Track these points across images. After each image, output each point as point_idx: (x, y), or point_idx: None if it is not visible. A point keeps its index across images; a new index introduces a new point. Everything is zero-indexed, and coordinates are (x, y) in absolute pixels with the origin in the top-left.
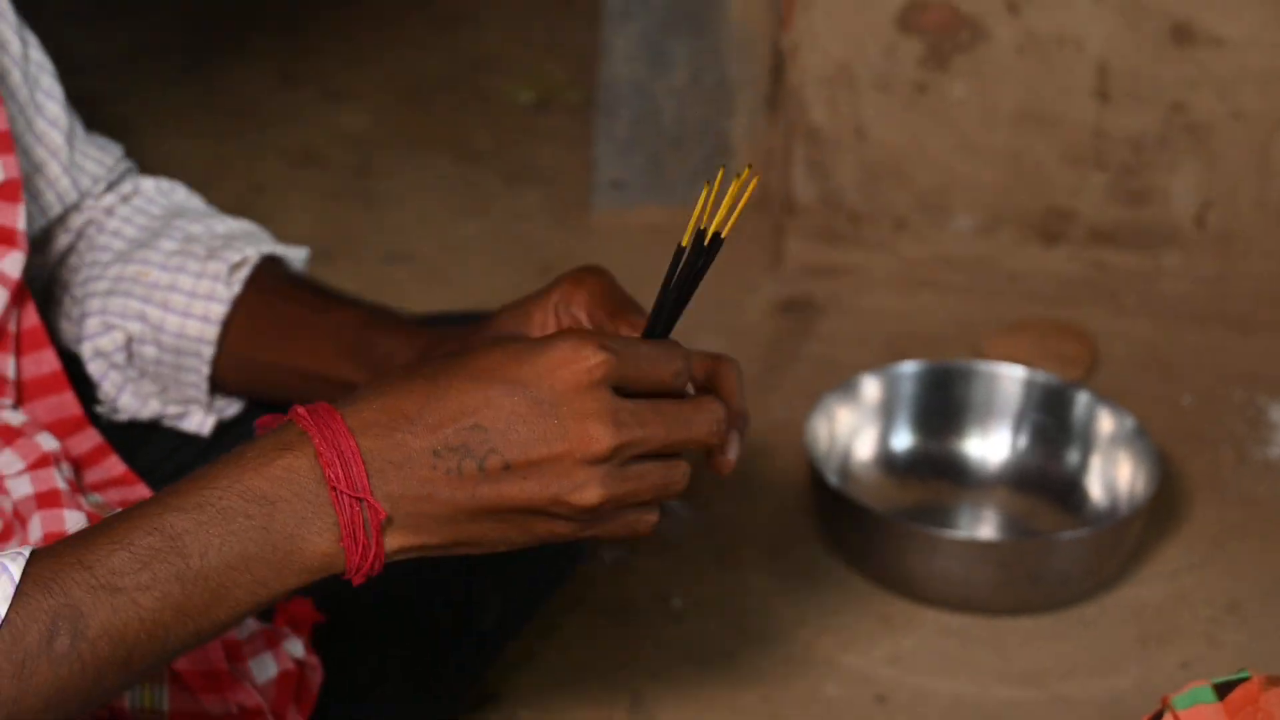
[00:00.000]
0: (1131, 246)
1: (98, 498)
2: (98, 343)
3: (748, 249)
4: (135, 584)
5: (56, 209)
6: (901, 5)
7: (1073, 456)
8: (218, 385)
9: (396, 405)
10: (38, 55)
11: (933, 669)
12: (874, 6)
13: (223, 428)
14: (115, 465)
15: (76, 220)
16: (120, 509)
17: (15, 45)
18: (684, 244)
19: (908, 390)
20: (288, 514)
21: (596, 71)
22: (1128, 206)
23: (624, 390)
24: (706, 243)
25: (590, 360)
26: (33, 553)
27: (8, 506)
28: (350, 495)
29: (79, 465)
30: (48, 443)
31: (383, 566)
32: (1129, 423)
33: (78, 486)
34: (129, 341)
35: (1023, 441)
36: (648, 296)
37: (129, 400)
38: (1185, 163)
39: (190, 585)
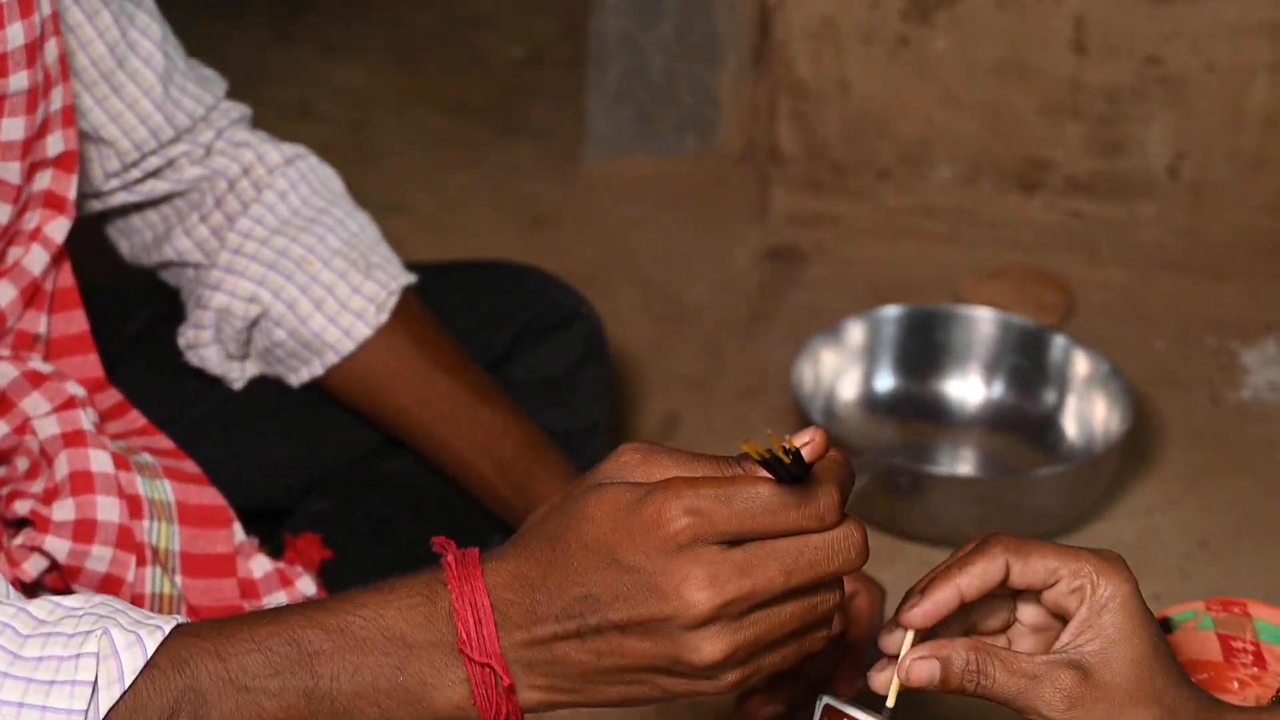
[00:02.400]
0: (1107, 196)
1: (121, 444)
2: (233, 303)
3: (735, 200)
4: (263, 688)
5: (151, 144)
6: None
7: (1049, 397)
8: (319, 382)
9: (525, 570)
10: None
11: None
12: None
13: (253, 382)
14: (136, 419)
15: (181, 151)
16: (147, 454)
17: None
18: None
19: (890, 334)
20: (423, 661)
21: (586, 26)
22: (1104, 157)
23: (746, 540)
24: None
25: (675, 525)
26: (174, 629)
27: (35, 446)
28: (478, 661)
29: (102, 418)
30: (74, 388)
31: (521, 718)
32: (1104, 365)
33: (103, 430)
34: (261, 315)
35: (1000, 383)
36: (637, 248)
37: (212, 354)
38: (1160, 114)
39: (317, 703)
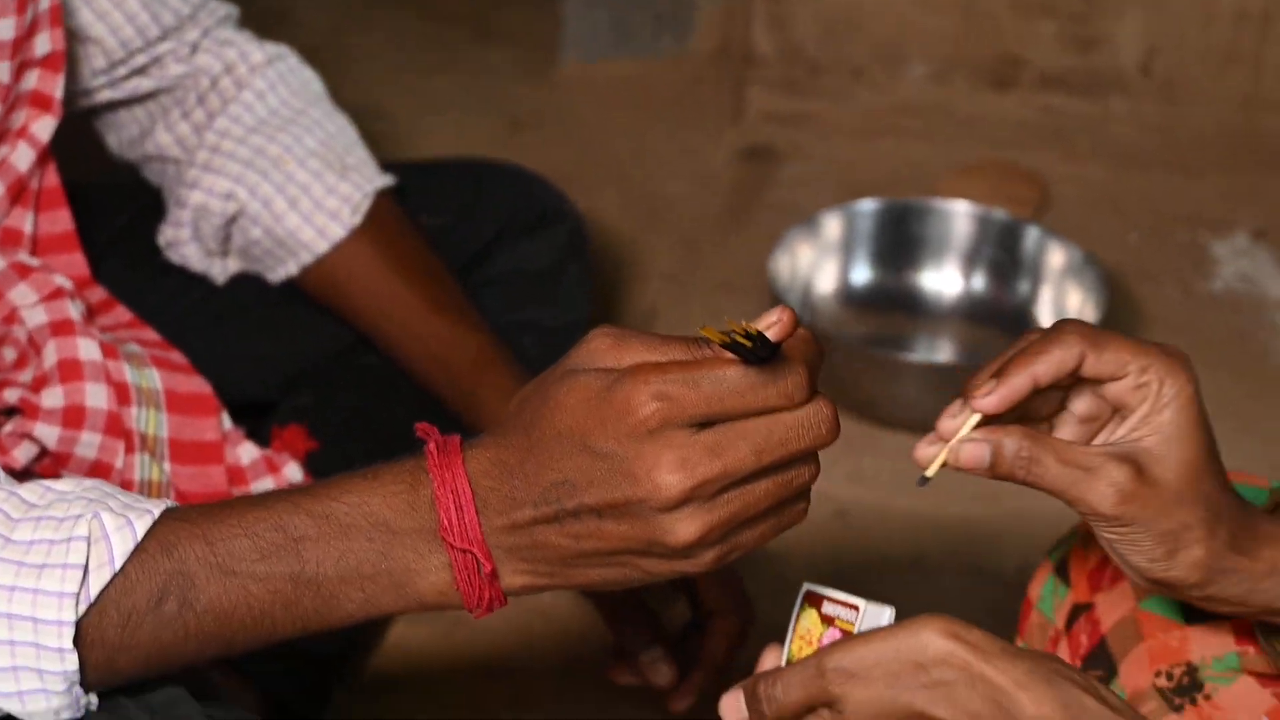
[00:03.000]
0: (1081, 92)
1: (108, 335)
2: (210, 201)
3: (711, 100)
4: (250, 572)
5: (137, 42)
6: None
7: (1023, 287)
8: (295, 281)
9: (503, 457)
10: None
11: (891, 487)
12: None
13: (234, 279)
14: (123, 314)
15: (167, 49)
16: (134, 344)
17: None
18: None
19: (866, 227)
20: (407, 547)
21: None
22: (1076, 53)
23: (715, 422)
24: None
25: (644, 410)
26: (163, 513)
27: (23, 335)
28: (459, 546)
29: (90, 312)
30: (61, 280)
31: (504, 602)
32: (1078, 255)
33: (90, 323)
34: (238, 213)
35: (976, 275)
36: (615, 149)
37: (192, 252)
38: (1132, 10)
39: (303, 588)
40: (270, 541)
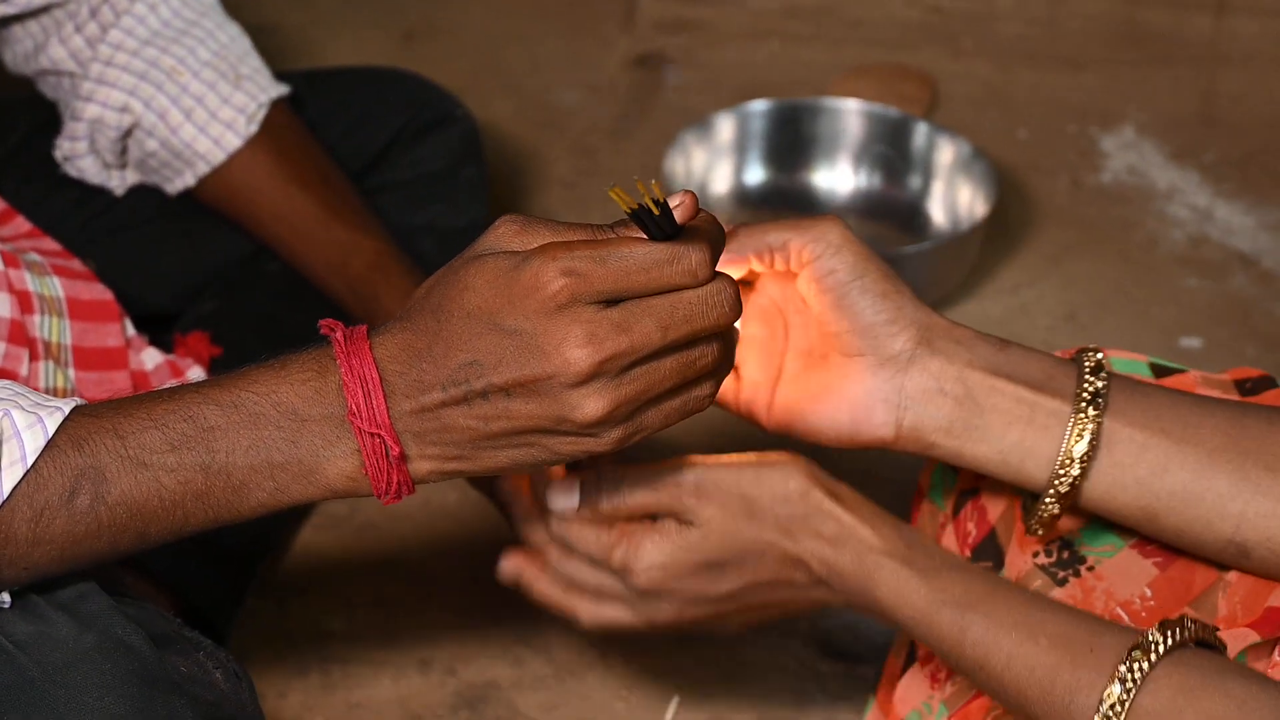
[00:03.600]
0: None
1: (8, 245)
2: (105, 113)
3: (602, 9)
4: (161, 464)
5: None
6: None
7: (914, 183)
8: (192, 193)
9: (411, 341)
10: None
11: None
12: None
13: (134, 190)
14: (22, 224)
15: None
16: (35, 254)
17: None
18: (628, 209)
19: (758, 128)
20: (315, 434)
21: None
22: None
23: (622, 299)
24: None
25: (552, 286)
26: (73, 410)
27: None
28: (368, 430)
29: None
30: None
31: (412, 490)
32: (965, 149)
33: None
34: (134, 125)
35: (868, 172)
36: (508, 59)
37: (89, 165)
38: None
39: (214, 478)
40: (180, 432)
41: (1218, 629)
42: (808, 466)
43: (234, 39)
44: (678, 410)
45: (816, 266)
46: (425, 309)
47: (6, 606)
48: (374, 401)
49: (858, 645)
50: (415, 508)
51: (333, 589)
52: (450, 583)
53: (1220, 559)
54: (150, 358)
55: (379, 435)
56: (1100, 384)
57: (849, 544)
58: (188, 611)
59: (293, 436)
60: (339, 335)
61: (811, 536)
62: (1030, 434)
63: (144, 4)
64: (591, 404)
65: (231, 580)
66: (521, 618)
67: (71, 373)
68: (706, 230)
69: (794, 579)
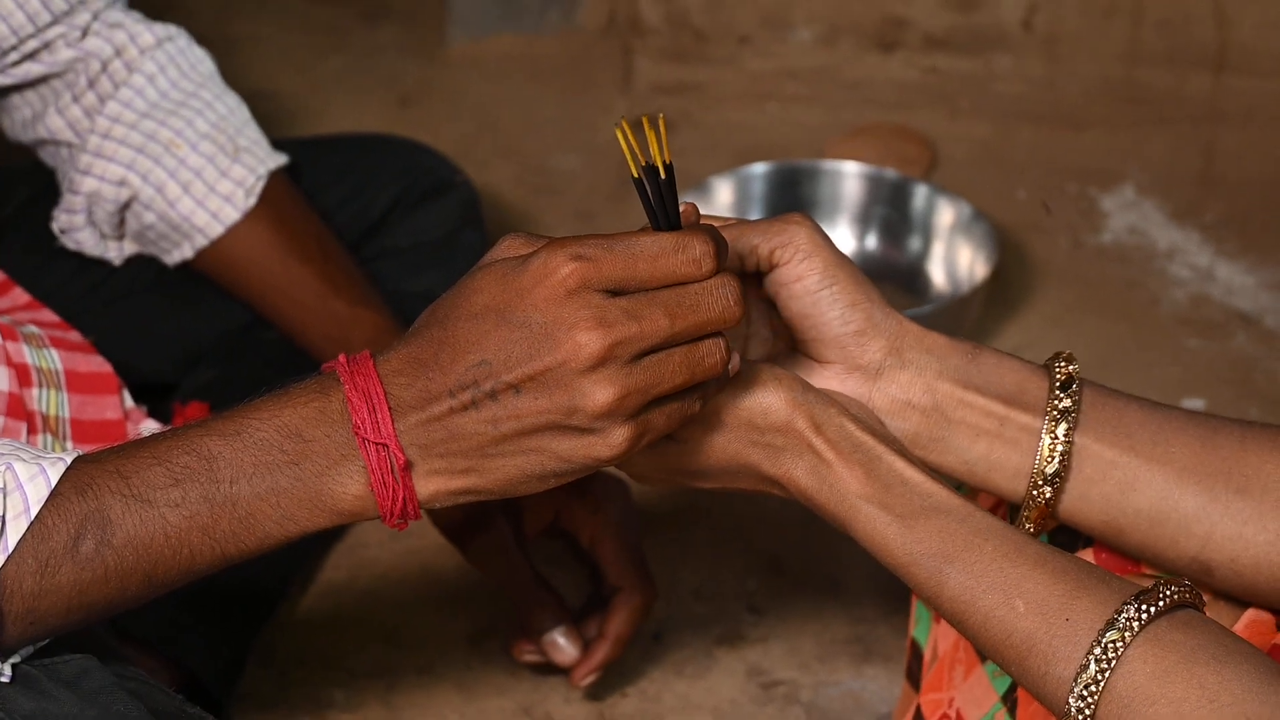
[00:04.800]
0: (964, 51)
1: (6, 318)
2: (103, 187)
3: (599, 73)
4: (166, 500)
5: (29, 29)
6: None
7: (915, 245)
8: (190, 264)
9: (417, 353)
10: None
11: None
12: None
13: (132, 260)
14: (20, 296)
15: (57, 34)
16: (32, 325)
17: None
18: (635, 175)
19: (758, 190)
20: (320, 454)
21: None
22: (959, 12)
23: (628, 290)
24: (663, 175)
25: (562, 271)
26: (75, 459)
27: None
28: (373, 441)
29: None
30: None
31: (419, 512)
32: (967, 210)
33: None
34: (131, 199)
35: (868, 234)
36: (506, 123)
37: (87, 237)
38: None
39: (219, 509)
40: (183, 465)
41: (1192, 587)
42: (790, 390)
43: (233, 109)
44: (678, 412)
45: (785, 272)
46: (430, 322)
47: (6, 680)
48: (379, 414)
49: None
50: (416, 572)
51: (333, 659)
52: (452, 652)
53: (1183, 575)
54: (148, 430)
55: (384, 446)
56: (1069, 400)
57: (826, 481)
58: (188, 682)
59: (297, 459)
60: (343, 358)
61: (790, 465)
62: (998, 447)
63: (142, 75)
64: (601, 391)
65: (232, 650)
66: (524, 687)
67: (70, 445)
68: (709, 229)
69: (771, 492)
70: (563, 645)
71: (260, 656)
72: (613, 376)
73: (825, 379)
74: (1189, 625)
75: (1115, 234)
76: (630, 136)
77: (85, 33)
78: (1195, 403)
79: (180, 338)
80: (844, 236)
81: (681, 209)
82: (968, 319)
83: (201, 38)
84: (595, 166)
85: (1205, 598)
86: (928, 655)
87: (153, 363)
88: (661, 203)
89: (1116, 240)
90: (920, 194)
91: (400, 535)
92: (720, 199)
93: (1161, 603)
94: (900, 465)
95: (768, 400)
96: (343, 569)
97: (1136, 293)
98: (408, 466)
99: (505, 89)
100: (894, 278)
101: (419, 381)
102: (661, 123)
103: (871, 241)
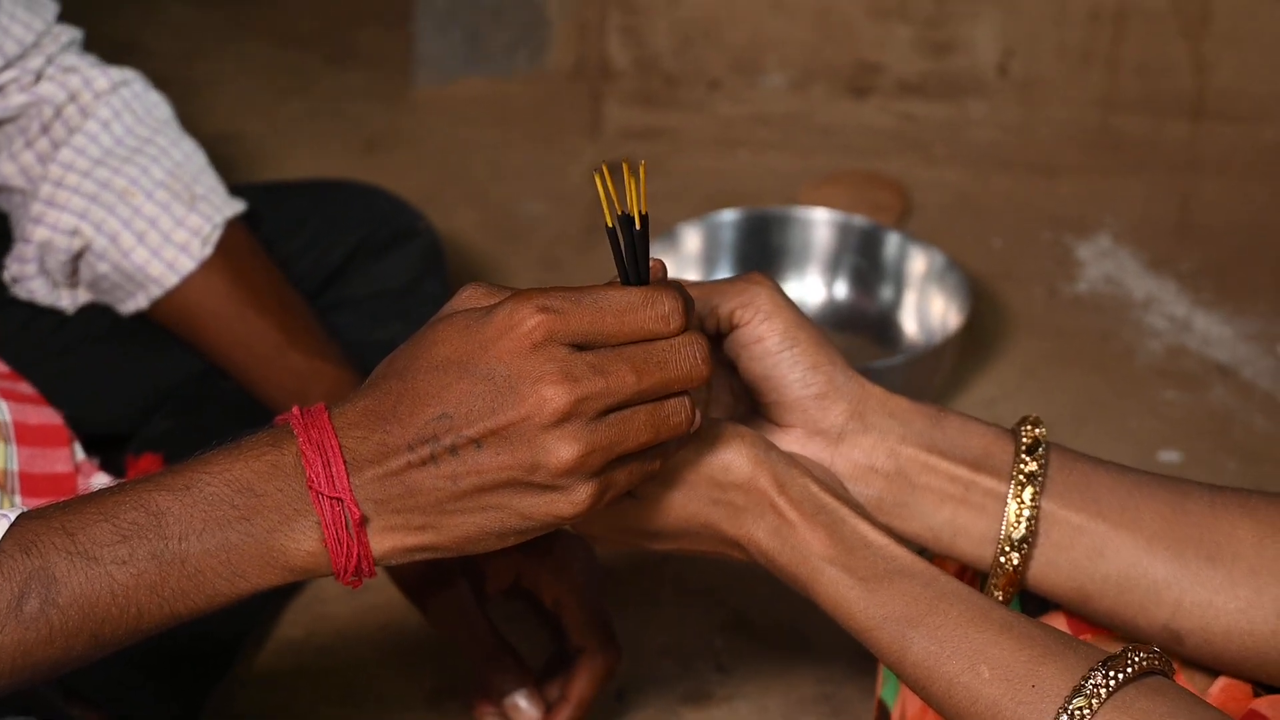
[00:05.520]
0: (938, 97)
1: None
2: (55, 237)
3: (567, 117)
4: (113, 557)
5: None
6: None
7: (887, 294)
8: (146, 314)
9: (374, 406)
10: None
11: None
12: None
13: (85, 309)
14: None
15: (9, 78)
16: None
17: None
18: (609, 225)
19: (727, 238)
20: (272, 509)
21: None
22: (933, 58)
23: (594, 345)
24: (638, 226)
25: (527, 323)
26: (19, 515)
27: None
28: (328, 495)
29: None
30: None
31: (373, 569)
32: (939, 259)
33: None
34: (84, 248)
35: (838, 282)
36: (472, 169)
37: (39, 286)
38: (987, 12)
39: (167, 566)
40: (131, 521)
41: (1162, 653)
42: (753, 448)
43: (188, 156)
44: (639, 472)
45: (745, 332)
46: (389, 374)
47: None
48: (334, 468)
49: None
50: (375, 630)
51: (290, 718)
52: (412, 711)
53: (1154, 643)
54: (99, 484)
55: (339, 500)
56: (1036, 464)
57: (789, 543)
58: None
59: (248, 514)
60: (296, 410)
61: (751, 526)
62: (963, 513)
63: (96, 121)
64: (565, 448)
65: (183, 709)
66: None
67: (18, 499)
68: (677, 285)
69: (731, 555)
70: (524, 708)
71: (213, 715)
72: (577, 433)
73: (787, 443)
74: (1158, 692)
75: (1091, 283)
76: (609, 182)
77: (39, 77)
78: (1172, 455)
79: (135, 387)
80: (814, 285)
81: (650, 266)
82: (940, 370)
83: (164, 79)
84: (563, 213)
85: (1175, 665)
86: (895, 716)
87: (106, 414)
88: (634, 255)
89: (1092, 289)
90: (892, 242)
91: (359, 591)
92: (689, 246)
93: (1130, 669)
94: (864, 528)
95: (729, 457)
96: (300, 625)
97: (1112, 343)
98: (363, 522)
99: (472, 134)
100: (865, 327)
101: (376, 434)
102: (642, 171)
103: (842, 290)
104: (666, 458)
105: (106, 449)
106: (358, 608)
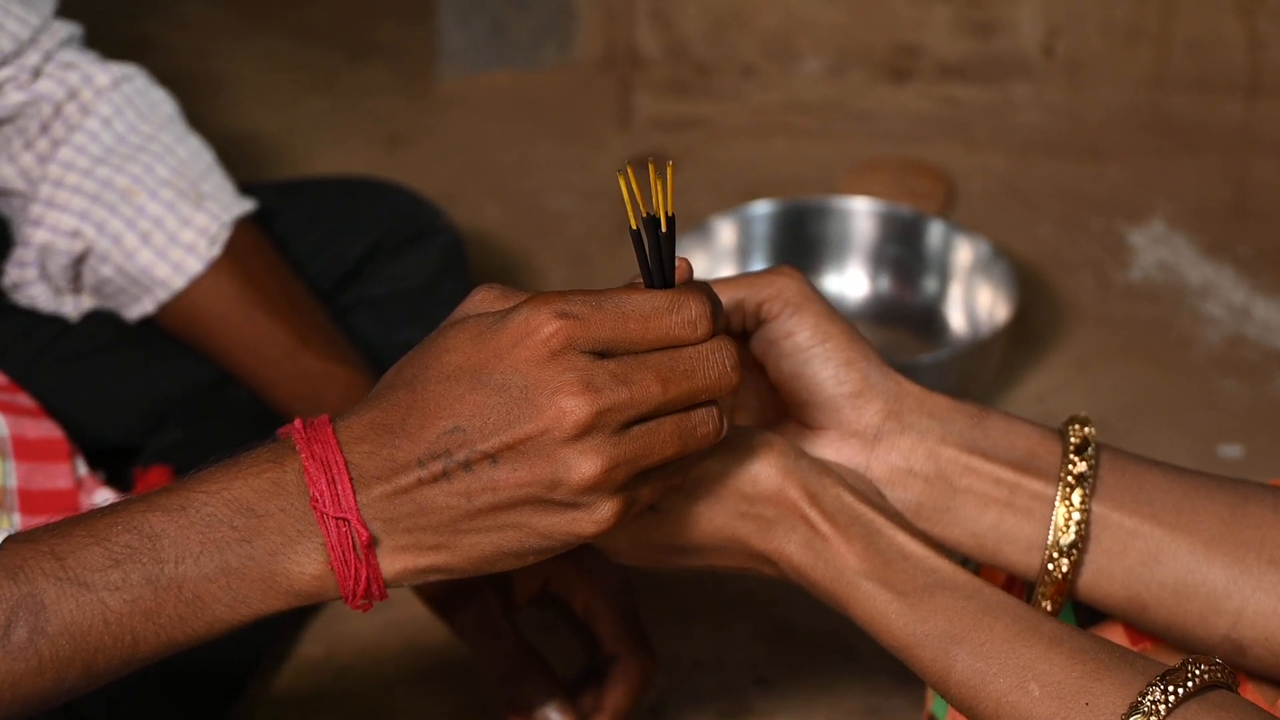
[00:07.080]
0: (981, 79)
1: None
2: (55, 240)
3: (596, 108)
4: (104, 582)
5: None
6: None
7: (931, 286)
8: (153, 319)
9: (381, 419)
10: None
11: None
12: None
13: (89, 316)
14: None
15: (6, 76)
16: None
17: None
18: (634, 227)
19: (761, 231)
20: (274, 530)
21: None
22: (975, 38)
23: (616, 352)
24: (664, 229)
25: (545, 330)
26: (6, 539)
27: None
28: (333, 515)
29: None
30: None
31: (384, 592)
32: (984, 248)
33: None
34: (86, 251)
35: (880, 274)
36: (499, 163)
37: (41, 292)
38: None
39: (163, 592)
40: (124, 545)
41: (1224, 665)
42: (782, 456)
43: (195, 153)
44: (663, 488)
45: (773, 328)
46: (397, 384)
47: None
48: (339, 486)
49: None
50: (398, 647)
51: None
52: None
53: (1214, 654)
54: (103, 499)
55: (345, 520)
56: (1085, 465)
57: (822, 557)
58: None
59: (248, 536)
60: (298, 423)
61: (782, 539)
62: (1008, 517)
63: (97, 119)
64: (587, 463)
65: None
66: None
67: (16, 518)
68: (705, 289)
69: (762, 571)
70: None
71: None
72: (599, 446)
73: (819, 447)
74: (1222, 707)
75: (1144, 271)
76: (634, 183)
77: (36, 74)
78: (1232, 450)
79: (143, 398)
80: (855, 278)
81: (676, 266)
82: (989, 365)
83: (182, 77)
84: (592, 207)
85: (1240, 678)
86: None
87: (113, 425)
88: (659, 257)
89: (1146, 277)
90: (936, 231)
91: (381, 607)
92: (722, 240)
93: (1190, 683)
94: (902, 539)
95: (757, 467)
96: (320, 643)
97: (1168, 333)
98: (371, 543)
99: (497, 128)
100: (909, 321)
101: (384, 449)
102: (669, 171)
103: (884, 283)
104: (689, 469)
105: (114, 462)
106: (380, 624)
